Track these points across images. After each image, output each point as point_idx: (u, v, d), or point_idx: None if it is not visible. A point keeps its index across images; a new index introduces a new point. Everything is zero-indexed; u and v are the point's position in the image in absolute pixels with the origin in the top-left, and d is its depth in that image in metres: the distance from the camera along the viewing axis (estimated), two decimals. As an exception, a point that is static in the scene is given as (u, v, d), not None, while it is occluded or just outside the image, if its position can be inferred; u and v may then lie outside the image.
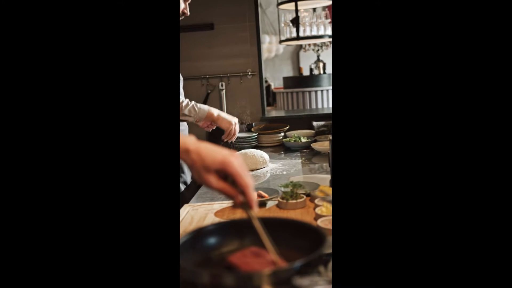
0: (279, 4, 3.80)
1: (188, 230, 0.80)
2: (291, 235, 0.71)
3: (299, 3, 3.52)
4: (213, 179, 0.72)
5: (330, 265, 0.68)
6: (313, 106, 4.54)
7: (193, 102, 1.81)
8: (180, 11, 1.85)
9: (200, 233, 0.73)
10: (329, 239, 0.84)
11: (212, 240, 0.73)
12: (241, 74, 2.87)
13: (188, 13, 1.91)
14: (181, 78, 2.02)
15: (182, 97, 1.82)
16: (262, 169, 1.87)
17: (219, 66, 2.86)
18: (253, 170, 1.85)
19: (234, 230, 0.75)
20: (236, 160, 0.72)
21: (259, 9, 2.97)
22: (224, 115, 1.85)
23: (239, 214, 1.24)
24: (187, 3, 1.88)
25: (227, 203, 1.36)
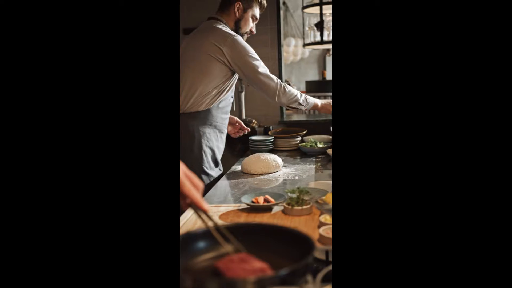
0: (304, 7, 3.78)
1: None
2: (280, 243, 0.70)
3: (324, 7, 3.50)
4: None
5: (319, 275, 0.66)
6: (335, 111, 4.48)
7: (304, 95, 2.04)
8: (249, 30, 2.07)
9: (189, 237, 0.73)
10: (327, 248, 0.82)
11: (201, 245, 0.73)
12: (261, 77, 2.85)
13: (255, 32, 2.13)
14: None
15: (297, 92, 2.02)
16: (275, 173, 1.86)
17: (240, 68, 2.85)
18: (265, 173, 1.84)
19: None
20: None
21: (287, 12, 2.96)
22: (327, 104, 2.13)
23: (243, 218, 1.24)
24: (255, 23, 2.09)
25: (234, 206, 1.35)
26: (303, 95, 2.05)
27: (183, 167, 0.75)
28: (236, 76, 2.02)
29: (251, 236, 0.73)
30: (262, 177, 1.81)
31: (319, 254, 0.81)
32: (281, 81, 2.93)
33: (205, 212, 0.74)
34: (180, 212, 1.22)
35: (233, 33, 1.95)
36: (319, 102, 2.12)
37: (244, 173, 1.88)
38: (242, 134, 2.26)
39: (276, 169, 1.87)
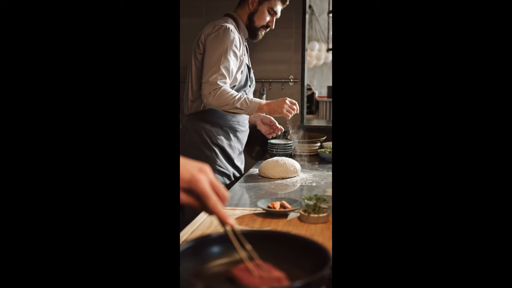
0: (330, 12, 3.76)
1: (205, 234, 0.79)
2: (295, 253, 0.69)
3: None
4: (183, 197, 0.69)
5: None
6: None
7: (245, 96, 1.85)
8: (265, 23, 1.96)
9: (203, 241, 0.72)
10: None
11: (215, 249, 0.72)
12: (282, 80, 2.85)
13: (273, 26, 2.02)
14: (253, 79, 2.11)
15: (233, 92, 1.86)
16: (292, 178, 1.84)
17: (262, 71, 2.85)
18: (283, 178, 1.83)
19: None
20: (203, 178, 0.69)
21: (312, 15, 2.95)
22: (274, 104, 1.89)
23: (258, 222, 1.23)
24: (274, 18, 1.98)
25: (249, 210, 1.34)
26: (247, 98, 1.84)
27: (209, 175, 0.71)
28: (241, 75, 1.95)
29: (265, 243, 0.71)
30: (279, 181, 1.80)
31: None
32: (304, 84, 2.91)
33: (231, 227, 0.71)
34: (195, 213, 1.22)
35: (227, 25, 1.86)
36: (263, 101, 1.90)
37: (261, 177, 1.87)
38: (276, 134, 2.23)
39: (294, 174, 1.86)
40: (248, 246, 0.69)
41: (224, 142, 1.97)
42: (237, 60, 1.89)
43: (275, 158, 1.91)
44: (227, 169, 1.99)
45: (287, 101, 1.89)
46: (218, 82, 1.80)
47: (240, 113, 1.89)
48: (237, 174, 2.07)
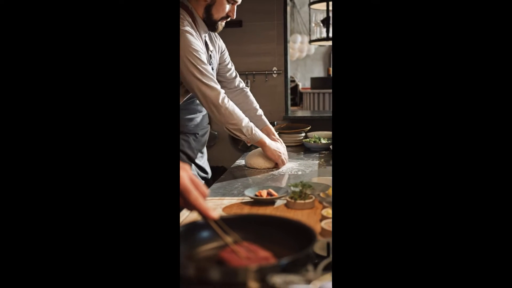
0: (311, 3, 3.79)
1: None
2: (281, 233, 0.71)
3: (331, 3, 3.50)
4: None
5: (321, 265, 0.68)
6: (340, 108, 4.49)
7: (252, 124, 1.79)
8: (225, 14, 1.78)
9: (193, 227, 0.74)
10: (327, 240, 0.83)
11: (205, 234, 0.74)
12: (266, 72, 2.87)
13: (234, 16, 1.84)
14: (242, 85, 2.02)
15: (245, 118, 1.78)
16: (278, 168, 1.87)
17: (245, 64, 2.87)
18: (268, 168, 1.85)
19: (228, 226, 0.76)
20: (184, 174, 0.72)
21: (293, 8, 2.96)
22: (273, 147, 1.83)
23: (246, 211, 1.25)
24: (234, 6, 1.80)
25: (237, 199, 1.37)
26: (252, 125, 1.77)
27: (189, 172, 0.74)
28: None
29: (253, 226, 0.74)
30: (265, 171, 1.82)
31: (320, 250, 0.82)
32: (287, 75, 2.94)
33: (214, 220, 0.74)
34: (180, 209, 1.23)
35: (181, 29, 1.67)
36: (267, 141, 1.81)
37: (247, 168, 1.89)
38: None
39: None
40: (228, 230, 0.71)
41: (184, 146, 1.96)
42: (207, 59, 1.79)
43: (259, 148, 1.93)
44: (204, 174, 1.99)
45: (283, 157, 1.85)
46: (215, 86, 1.71)
47: (239, 138, 1.79)
48: (202, 174, 2.08)
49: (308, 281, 0.55)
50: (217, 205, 1.31)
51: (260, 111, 2.10)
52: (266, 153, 1.83)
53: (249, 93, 2.16)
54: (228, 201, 1.36)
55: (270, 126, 2.06)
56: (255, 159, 1.87)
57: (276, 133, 2.05)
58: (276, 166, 1.85)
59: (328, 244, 0.83)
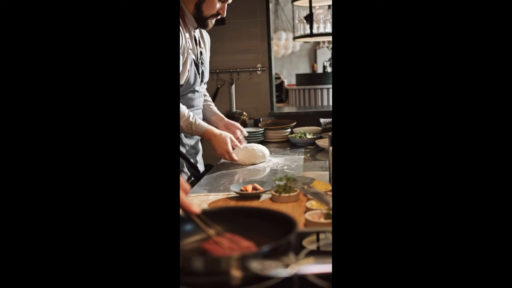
0: (294, 0, 3.80)
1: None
2: (263, 224, 0.73)
3: (313, 0, 3.52)
4: None
5: (303, 252, 0.69)
6: (325, 104, 4.53)
7: (194, 118, 1.78)
8: (215, 11, 1.77)
9: (176, 219, 0.75)
10: (310, 229, 0.85)
11: (188, 228, 0.75)
12: (250, 69, 2.88)
13: (224, 14, 1.84)
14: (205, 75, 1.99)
15: (185, 110, 1.77)
16: (264, 163, 1.88)
17: (229, 61, 2.88)
18: (253, 164, 1.87)
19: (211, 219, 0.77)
20: None
21: (277, 5, 2.98)
22: (219, 138, 1.81)
23: (232, 205, 1.26)
24: (225, 4, 1.80)
25: (223, 195, 1.38)
26: (193, 121, 1.76)
27: None
28: (187, 73, 1.80)
29: (235, 218, 0.75)
30: (251, 167, 1.83)
31: (308, 244, 0.82)
32: (272, 72, 2.95)
33: (197, 214, 0.75)
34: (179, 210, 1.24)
35: None
36: (214, 132, 1.81)
37: (233, 164, 1.91)
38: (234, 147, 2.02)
39: (263, 159, 1.90)
40: (210, 222, 0.73)
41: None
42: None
43: (245, 144, 1.95)
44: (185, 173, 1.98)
45: (228, 141, 1.82)
46: None
47: (187, 133, 1.81)
48: (193, 171, 2.04)
49: (286, 266, 0.57)
50: (203, 201, 1.32)
51: (209, 100, 2.14)
52: (213, 147, 1.82)
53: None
54: (214, 197, 1.37)
55: (219, 113, 2.10)
56: (239, 155, 1.88)
57: (224, 117, 2.09)
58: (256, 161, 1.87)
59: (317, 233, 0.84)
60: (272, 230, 0.72)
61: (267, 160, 1.92)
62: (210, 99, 2.19)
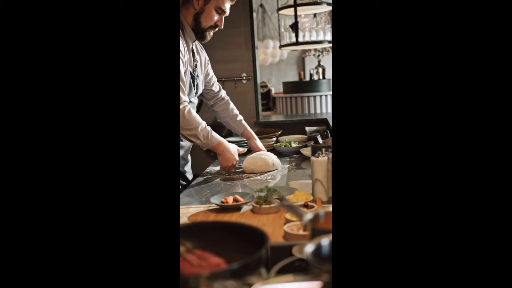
0: (279, 9, 3.82)
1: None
2: (235, 238, 0.71)
3: (299, 8, 3.54)
4: None
5: (275, 267, 0.68)
6: (312, 111, 4.54)
7: (209, 128, 1.78)
8: (213, 23, 1.80)
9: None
10: (283, 243, 0.83)
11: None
12: (235, 78, 2.88)
13: (222, 26, 1.86)
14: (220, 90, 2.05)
15: (200, 119, 1.77)
16: (250, 174, 1.87)
17: (214, 70, 2.86)
18: (265, 172, 1.87)
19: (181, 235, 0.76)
20: None
21: (264, 14, 2.98)
22: (227, 153, 1.83)
23: (212, 218, 1.25)
24: (222, 16, 1.82)
25: (204, 207, 1.36)
26: (209, 130, 1.76)
27: None
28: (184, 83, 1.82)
29: (207, 233, 0.74)
30: (234, 178, 1.82)
31: (297, 253, 0.80)
32: (257, 81, 2.95)
33: None
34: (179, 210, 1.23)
35: None
36: (224, 146, 1.81)
37: (218, 174, 1.89)
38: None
39: (274, 168, 1.92)
40: (185, 242, 0.71)
41: None
42: (183, 66, 1.80)
43: (257, 153, 1.95)
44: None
45: (236, 157, 1.88)
46: (181, 96, 1.70)
47: (194, 142, 1.79)
48: (182, 182, 2.07)
49: (249, 285, 0.55)
50: (183, 213, 1.30)
51: (240, 117, 2.18)
52: (220, 158, 1.84)
53: (230, 101, 2.24)
54: (194, 209, 1.35)
55: (250, 130, 2.13)
56: (253, 164, 1.87)
57: (257, 138, 2.11)
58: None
59: (291, 247, 0.83)
60: (243, 245, 0.70)
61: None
62: (238, 112, 2.21)
